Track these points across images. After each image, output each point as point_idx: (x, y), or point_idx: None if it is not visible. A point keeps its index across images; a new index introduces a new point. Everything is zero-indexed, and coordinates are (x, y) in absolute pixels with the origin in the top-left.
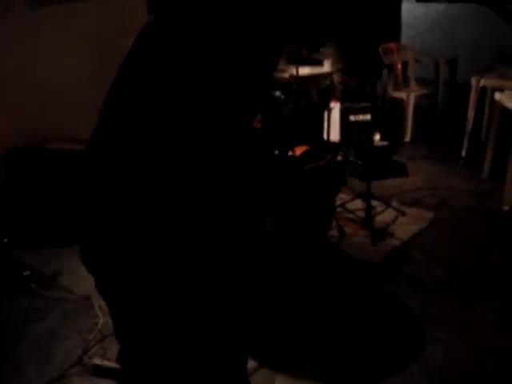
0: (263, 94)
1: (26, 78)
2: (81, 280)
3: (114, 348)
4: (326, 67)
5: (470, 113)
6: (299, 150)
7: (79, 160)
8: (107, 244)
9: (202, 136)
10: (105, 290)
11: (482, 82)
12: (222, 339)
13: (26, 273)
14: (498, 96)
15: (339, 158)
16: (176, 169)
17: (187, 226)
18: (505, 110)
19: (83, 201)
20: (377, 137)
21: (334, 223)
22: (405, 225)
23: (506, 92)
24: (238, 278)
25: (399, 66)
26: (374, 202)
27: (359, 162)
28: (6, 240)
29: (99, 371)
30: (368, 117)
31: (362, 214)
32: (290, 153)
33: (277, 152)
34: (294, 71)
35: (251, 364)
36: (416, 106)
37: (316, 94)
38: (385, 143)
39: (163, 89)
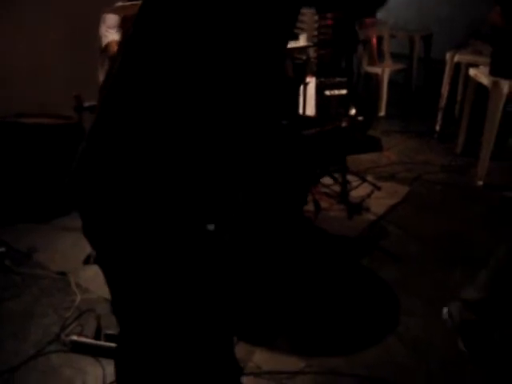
0: (279, 62)
1: (2, 53)
2: (56, 256)
3: (91, 324)
4: (302, 41)
5: (444, 88)
6: None
7: (85, 138)
8: (109, 217)
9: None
10: (105, 261)
11: (457, 58)
12: (210, 311)
13: (1, 249)
14: (472, 72)
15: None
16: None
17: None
18: (479, 85)
19: (88, 177)
20: (352, 111)
21: (309, 198)
22: (380, 199)
23: (480, 67)
24: (226, 252)
25: (374, 41)
26: (350, 177)
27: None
28: None
29: (77, 347)
30: (343, 92)
31: (337, 188)
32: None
33: None
34: None
35: None
36: (391, 81)
37: (291, 69)
38: (360, 118)
39: (166, 69)
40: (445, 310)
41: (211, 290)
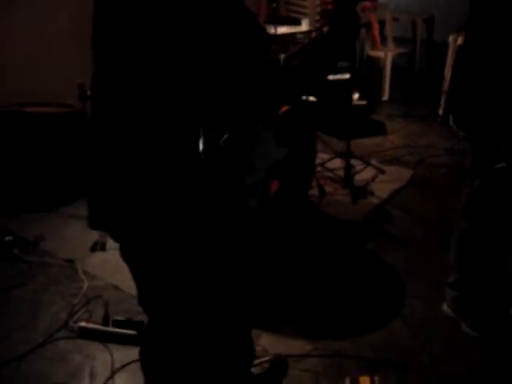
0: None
1: (3, 41)
2: (63, 244)
3: (99, 311)
4: (304, 26)
5: (447, 71)
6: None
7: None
8: (133, 213)
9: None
10: (131, 256)
11: (460, 41)
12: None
13: (8, 238)
14: None
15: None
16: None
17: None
18: None
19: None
20: (355, 96)
21: (314, 182)
22: (384, 183)
23: None
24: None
25: (376, 25)
26: (354, 161)
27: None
28: None
29: (85, 334)
30: (346, 76)
31: (341, 173)
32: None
33: None
34: (272, 30)
35: None
36: (393, 65)
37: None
38: (363, 102)
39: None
40: (444, 304)
41: (228, 275)
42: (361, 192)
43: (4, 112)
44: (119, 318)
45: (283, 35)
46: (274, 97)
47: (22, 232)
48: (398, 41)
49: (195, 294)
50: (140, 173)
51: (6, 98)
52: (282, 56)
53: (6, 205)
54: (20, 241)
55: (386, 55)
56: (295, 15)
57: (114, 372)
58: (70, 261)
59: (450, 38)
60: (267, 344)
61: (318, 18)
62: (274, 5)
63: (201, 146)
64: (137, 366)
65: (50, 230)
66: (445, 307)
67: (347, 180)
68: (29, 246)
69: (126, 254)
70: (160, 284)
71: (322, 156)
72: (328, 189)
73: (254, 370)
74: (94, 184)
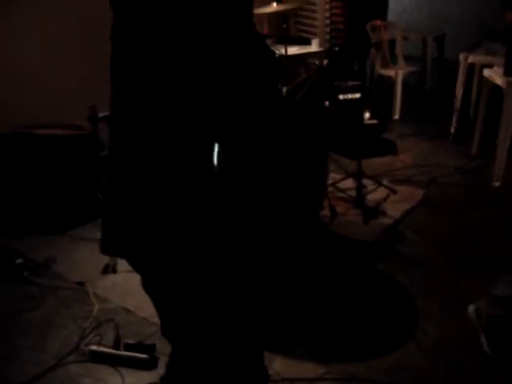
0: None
1: (11, 64)
2: (74, 267)
3: (110, 334)
4: (314, 46)
5: (459, 89)
6: None
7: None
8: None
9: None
10: (152, 287)
11: (471, 59)
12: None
13: (19, 261)
14: (486, 72)
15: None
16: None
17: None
18: (493, 86)
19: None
20: (366, 115)
21: (325, 203)
22: (396, 203)
23: (495, 68)
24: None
25: (387, 44)
26: (365, 181)
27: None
28: None
29: (96, 357)
30: (357, 95)
31: (353, 193)
32: None
33: None
34: (282, 51)
35: None
36: (404, 84)
37: (305, 74)
38: (374, 121)
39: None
40: (471, 307)
41: (249, 297)
42: (372, 212)
43: (12, 135)
44: (130, 341)
45: (293, 55)
46: (279, 126)
47: (32, 254)
48: (409, 59)
49: (218, 316)
50: (157, 197)
51: (16, 116)
52: (285, 88)
53: (15, 227)
54: (30, 263)
55: (397, 74)
56: (305, 35)
57: None
58: (81, 283)
59: (461, 56)
60: (280, 368)
61: (327, 37)
62: (285, 25)
63: (215, 165)
64: None
65: (60, 252)
66: (471, 310)
67: (359, 200)
68: (39, 268)
69: (146, 285)
70: (184, 312)
71: (333, 176)
72: (340, 209)
73: None
74: (109, 208)
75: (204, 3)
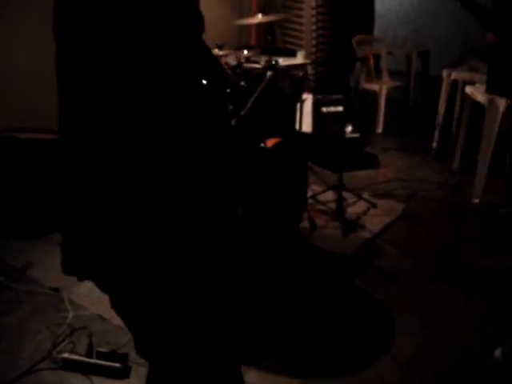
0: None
1: None
2: (51, 272)
3: (83, 342)
4: (300, 58)
5: (441, 105)
6: (271, 142)
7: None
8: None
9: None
10: (120, 305)
11: (454, 75)
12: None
13: None
14: (468, 89)
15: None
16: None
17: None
18: (475, 103)
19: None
20: (348, 128)
21: (305, 215)
22: (375, 217)
23: (477, 85)
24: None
25: (371, 59)
26: (346, 194)
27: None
28: None
29: (68, 365)
30: (340, 108)
31: (333, 205)
32: (262, 144)
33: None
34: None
35: None
36: (388, 98)
37: (290, 85)
38: (356, 135)
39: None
40: (498, 351)
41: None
42: (352, 225)
43: None
44: (103, 349)
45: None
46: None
47: (11, 259)
48: (394, 74)
49: (191, 331)
50: (116, 210)
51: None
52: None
53: None
54: (7, 268)
55: (381, 88)
56: (292, 47)
57: None
58: (56, 290)
59: (444, 73)
60: (253, 380)
61: (313, 50)
62: (269, 37)
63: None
64: None
65: (39, 257)
66: (497, 354)
67: (338, 213)
68: (16, 273)
69: (115, 305)
70: (155, 330)
71: (314, 188)
72: (319, 222)
73: None
74: (67, 225)
75: (150, 14)
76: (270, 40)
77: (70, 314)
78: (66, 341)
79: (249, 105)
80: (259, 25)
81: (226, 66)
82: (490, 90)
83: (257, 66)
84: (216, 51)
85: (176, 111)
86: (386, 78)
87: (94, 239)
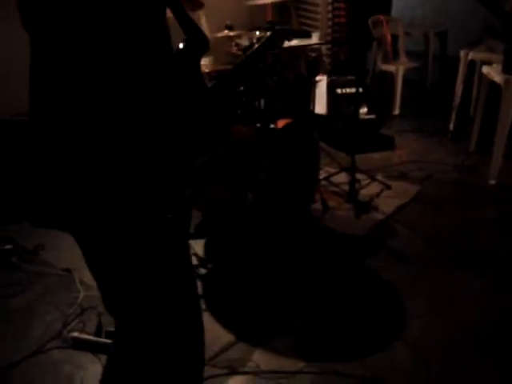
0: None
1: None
2: (62, 254)
3: (93, 321)
4: (314, 39)
5: (458, 86)
6: (282, 123)
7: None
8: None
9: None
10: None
11: (471, 56)
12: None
13: (8, 246)
14: (485, 69)
15: None
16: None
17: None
18: (492, 83)
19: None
20: (364, 110)
21: (317, 196)
22: (389, 198)
23: (494, 65)
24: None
25: (388, 39)
26: (360, 176)
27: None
28: None
29: (78, 344)
30: (354, 90)
31: (346, 187)
32: (272, 125)
33: (259, 124)
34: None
35: (229, 338)
36: (405, 79)
37: (305, 66)
38: (372, 116)
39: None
40: None
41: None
42: (365, 207)
43: (5, 121)
44: (112, 329)
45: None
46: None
47: (23, 240)
48: (411, 55)
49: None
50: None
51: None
52: None
53: (7, 213)
54: (19, 249)
55: (398, 69)
56: (307, 28)
57: None
58: (68, 270)
59: (461, 53)
60: (260, 360)
61: (329, 31)
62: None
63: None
64: None
65: (51, 238)
66: None
67: (351, 194)
68: (28, 254)
69: (88, 261)
70: (122, 287)
71: (327, 170)
72: (332, 203)
73: None
74: (39, 175)
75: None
76: (285, 21)
77: (81, 295)
78: (76, 321)
79: (242, 60)
80: (276, 4)
81: (236, 47)
82: (506, 70)
83: None
84: (226, 32)
85: (142, 75)
86: (403, 58)
87: (65, 191)
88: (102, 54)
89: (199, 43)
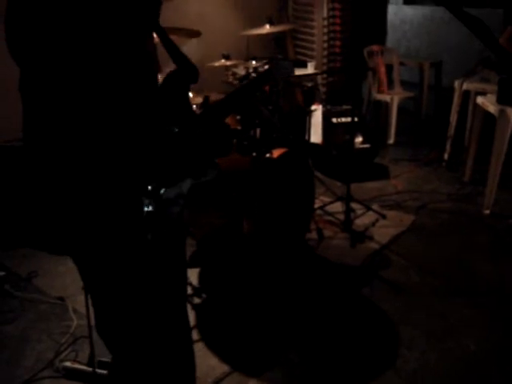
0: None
1: None
2: (56, 281)
3: (85, 351)
4: (310, 69)
5: (453, 116)
6: (277, 152)
7: None
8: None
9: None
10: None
11: (465, 86)
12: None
13: (1, 274)
14: (479, 100)
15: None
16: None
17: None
18: (486, 113)
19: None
20: (359, 139)
21: (312, 226)
22: (384, 228)
23: (488, 96)
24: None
25: (383, 69)
26: (355, 205)
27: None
28: None
29: (70, 374)
30: (349, 119)
31: (342, 216)
32: (267, 154)
33: (254, 154)
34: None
35: (223, 369)
36: (400, 109)
37: (300, 96)
38: (367, 146)
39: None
40: None
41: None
42: (360, 236)
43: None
44: (105, 359)
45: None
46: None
47: (16, 267)
48: (407, 85)
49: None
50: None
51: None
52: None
53: (2, 239)
54: (12, 276)
55: (393, 99)
56: (303, 58)
57: None
58: (62, 299)
59: (456, 84)
60: None
61: (325, 60)
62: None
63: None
64: None
65: (44, 265)
66: None
67: (347, 224)
68: (21, 281)
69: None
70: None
71: (322, 199)
72: (327, 232)
73: None
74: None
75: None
76: (280, 51)
77: (74, 323)
78: (69, 350)
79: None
80: (266, 35)
81: (233, 76)
82: (501, 100)
83: None
84: (222, 61)
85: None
86: (398, 88)
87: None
88: (87, 83)
89: (187, 71)
